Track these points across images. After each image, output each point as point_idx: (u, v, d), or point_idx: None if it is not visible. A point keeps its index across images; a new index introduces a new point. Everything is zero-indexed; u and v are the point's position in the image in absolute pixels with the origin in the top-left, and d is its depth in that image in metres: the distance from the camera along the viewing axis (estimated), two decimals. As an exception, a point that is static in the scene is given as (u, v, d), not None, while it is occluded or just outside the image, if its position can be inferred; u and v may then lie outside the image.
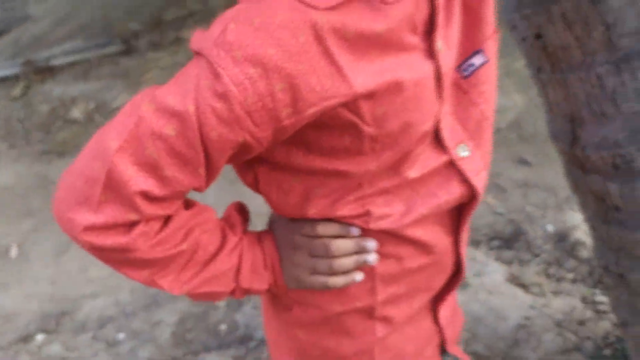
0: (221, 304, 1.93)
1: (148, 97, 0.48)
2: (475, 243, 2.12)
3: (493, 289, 1.83)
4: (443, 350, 0.75)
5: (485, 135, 0.61)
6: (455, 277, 0.69)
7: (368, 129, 0.51)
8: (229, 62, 0.45)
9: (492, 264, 1.98)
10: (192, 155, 0.47)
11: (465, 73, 0.58)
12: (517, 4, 0.85)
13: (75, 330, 1.99)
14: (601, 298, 1.70)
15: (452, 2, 0.55)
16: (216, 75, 0.45)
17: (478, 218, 2.24)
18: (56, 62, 3.94)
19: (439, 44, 0.52)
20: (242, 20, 0.46)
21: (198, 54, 0.47)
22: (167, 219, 0.52)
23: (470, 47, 0.58)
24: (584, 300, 1.73)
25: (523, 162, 2.61)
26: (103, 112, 3.41)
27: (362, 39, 0.48)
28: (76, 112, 3.41)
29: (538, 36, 0.85)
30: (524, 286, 1.85)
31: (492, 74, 0.60)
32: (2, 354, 1.92)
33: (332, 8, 0.46)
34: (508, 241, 2.12)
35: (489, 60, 0.58)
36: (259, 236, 0.63)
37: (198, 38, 0.48)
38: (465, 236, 0.66)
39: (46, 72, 3.84)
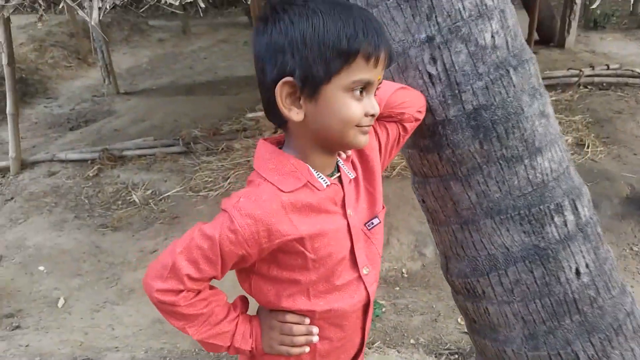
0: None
1: (197, 227, 0.91)
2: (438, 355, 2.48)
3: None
4: None
5: (377, 262, 1.08)
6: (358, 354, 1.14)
7: (310, 255, 0.95)
8: (238, 215, 0.88)
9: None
10: (214, 259, 0.90)
11: (369, 227, 1.06)
12: (414, 178, 1.38)
13: (96, 373, 2.43)
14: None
15: (359, 190, 1.04)
16: (231, 221, 0.88)
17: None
18: (127, 152, 4.70)
19: (349, 211, 1.01)
20: (246, 196, 0.91)
21: (224, 210, 0.90)
22: (198, 292, 0.94)
23: (371, 214, 1.07)
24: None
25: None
26: (156, 199, 4.05)
27: (305, 206, 0.93)
28: (135, 196, 4.08)
29: (423, 201, 1.37)
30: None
31: (382, 230, 1.10)
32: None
33: (291, 192, 0.92)
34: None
35: (380, 222, 1.08)
36: (251, 318, 1.05)
37: (225, 202, 0.91)
38: (367, 329, 1.12)
39: (118, 159, 4.61)
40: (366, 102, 0.93)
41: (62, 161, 4.67)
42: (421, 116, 1.18)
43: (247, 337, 1.02)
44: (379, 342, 2.47)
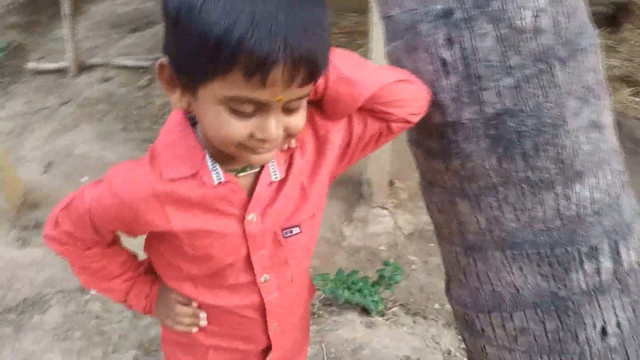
0: None
1: (84, 188, 0.85)
2: None
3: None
4: None
5: (285, 272, 0.91)
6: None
7: (187, 249, 0.84)
8: (107, 191, 0.81)
9: None
10: (87, 225, 0.85)
11: (285, 234, 0.88)
12: (421, 179, 1.12)
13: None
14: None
15: (281, 192, 0.84)
16: (101, 195, 0.82)
17: None
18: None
19: (251, 216, 0.83)
20: (124, 172, 0.81)
21: (103, 179, 0.83)
22: (89, 247, 0.91)
23: (294, 221, 0.88)
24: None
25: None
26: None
27: (184, 200, 0.79)
28: (180, 112, 4.00)
29: (428, 208, 1.12)
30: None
31: (305, 242, 0.91)
32: None
33: (172, 180, 0.78)
34: None
35: (301, 232, 0.89)
36: (154, 280, 1.01)
37: (110, 170, 0.83)
38: (277, 335, 0.98)
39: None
40: (257, 122, 0.69)
41: (117, 67, 4.64)
42: (415, 119, 0.90)
43: (142, 298, 1.01)
44: (398, 307, 2.31)
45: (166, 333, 1.04)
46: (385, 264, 2.30)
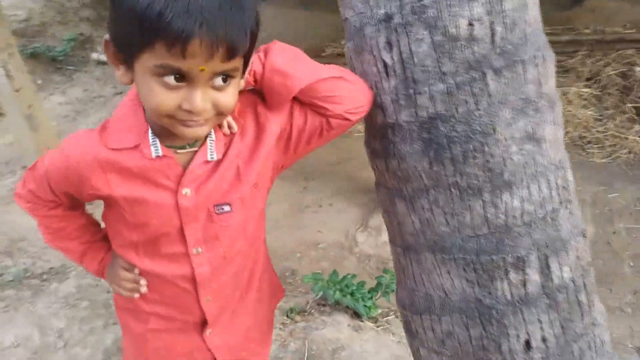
0: None
1: (51, 150, 0.94)
2: None
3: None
4: None
5: (217, 247, 0.97)
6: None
7: (127, 216, 0.93)
8: (59, 153, 0.91)
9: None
10: (44, 185, 0.95)
11: (217, 211, 0.94)
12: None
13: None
14: None
15: (217, 171, 0.91)
16: (53, 156, 0.93)
17: None
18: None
19: (186, 190, 0.90)
20: (76, 137, 0.91)
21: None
22: (53, 207, 1.00)
23: (227, 197, 0.94)
24: None
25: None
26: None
27: (124, 169, 0.88)
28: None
29: (382, 216, 1.14)
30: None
31: (238, 222, 0.96)
32: None
33: (115, 149, 0.87)
34: None
35: (232, 212, 0.94)
36: (108, 248, 1.08)
37: (70, 134, 0.94)
38: (212, 308, 1.04)
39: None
40: (184, 93, 0.76)
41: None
42: (354, 117, 0.94)
43: (96, 262, 1.10)
44: (393, 315, 2.31)
45: (116, 298, 1.12)
46: (385, 271, 2.31)
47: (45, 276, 2.60)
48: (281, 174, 1.04)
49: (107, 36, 0.80)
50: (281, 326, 2.08)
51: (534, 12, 0.94)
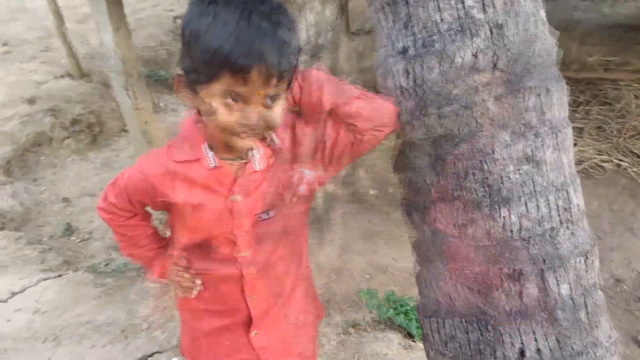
0: None
1: (132, 167, 1.10)
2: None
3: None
4: None
5: (262, 251, 1.12)
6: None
7: (188, 219, 1.08)
8: (136, 168, 1.07)
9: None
10: (125, 197, 1.11)
11: (260, 218, 1.11)
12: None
13: None
14: None
15: (263, 180, 1.07)
16: (132, 172, 1.09)
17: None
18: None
19: (237, 196, 1.07)
20: (152, 154, 1.08)
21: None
22: (128, 218, 1.16)
23: (269, 205, 1.10)
24: None
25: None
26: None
27: (188, 179, 1.03)
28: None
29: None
30: None
31: (277, 230, 1.12)
32: None
33: (180, 162, 1.04)
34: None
35: (273, 218, 1.11)
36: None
37: (148, 151, 1.15)
38: (257, 307, 1.18)
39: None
40: (241, 111, 0.94)
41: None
42: (382, 134, 1.08)
43: (160, 266, 1.24)
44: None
45: (179, 300, 1.30)
46: (443, 297, 2.35)
47: (140, 271, 2.97)
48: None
49: (178, 71, 0.96)
50: (335, 336, 2.21)
51: (545, 46, 1.03)
